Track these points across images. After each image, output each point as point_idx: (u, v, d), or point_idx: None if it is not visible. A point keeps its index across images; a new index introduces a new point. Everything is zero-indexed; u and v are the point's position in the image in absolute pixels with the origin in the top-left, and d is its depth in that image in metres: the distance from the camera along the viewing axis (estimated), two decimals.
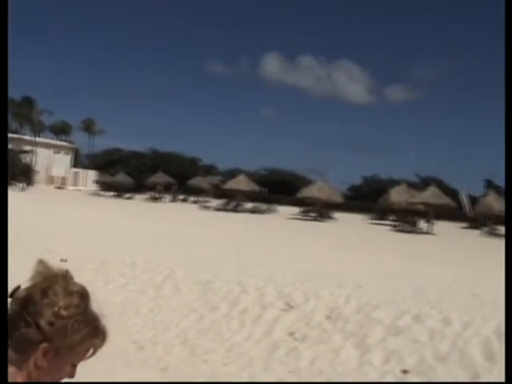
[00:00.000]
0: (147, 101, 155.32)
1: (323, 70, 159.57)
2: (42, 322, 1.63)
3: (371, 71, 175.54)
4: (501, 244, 35.12)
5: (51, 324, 1.64)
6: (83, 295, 1.73)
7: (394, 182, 65.99)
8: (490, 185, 77.03)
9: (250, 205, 53.80)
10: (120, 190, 69.43)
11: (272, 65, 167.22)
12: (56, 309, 1.65)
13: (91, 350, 1.75)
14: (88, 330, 1.71)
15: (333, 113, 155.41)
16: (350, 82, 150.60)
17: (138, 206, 51.14)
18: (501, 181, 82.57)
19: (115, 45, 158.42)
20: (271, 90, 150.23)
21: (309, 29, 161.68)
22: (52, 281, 1.69)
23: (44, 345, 1.63)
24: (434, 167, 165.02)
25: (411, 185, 59.48)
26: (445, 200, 43.75)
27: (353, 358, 8.06)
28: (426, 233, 38.79)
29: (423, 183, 65.92)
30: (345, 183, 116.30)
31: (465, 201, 68.10)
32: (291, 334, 8.87)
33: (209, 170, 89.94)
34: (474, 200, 64.23)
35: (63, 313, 1.66)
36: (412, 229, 39.81)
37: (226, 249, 17.39)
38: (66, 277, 1.72)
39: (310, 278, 11.80)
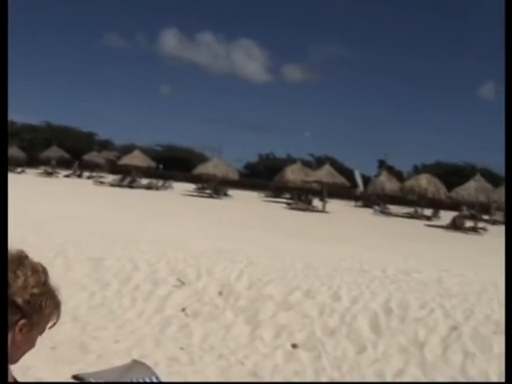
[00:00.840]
0: (42, 73, 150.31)
1: (222, 48, 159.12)
2: (20, 301, 1.77)
3: (270, 50, 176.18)
4: (391, 222, 36.23)
5: (28, 302, 1.79)
6: (45, 271, 1.90)
7: (289, 161, 66.88)
8: (382, 165, 79.11)
9: (145, 181, 53.15)
10: (12, 164, 67.16)
11: (170, 41, 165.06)
12: (29, 288, 1.80)
13: (54, 321, 1.94)
14: (54, 303, 1.89)
15: (231, 91, 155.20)
16: (249, 61, 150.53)
17: (29, 180, 49.62)
18: (393, 161, 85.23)
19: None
20: (169, 66, 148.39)
21: (208, 6, 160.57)
22: (18, 262, 1.83)
23: (22, 321, 1.79)
24: (329, 147, 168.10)
25: (306, 163, 60.33)
26: (339, 179, 44.56)
27: (244, 333, 8.09)
28: (320, 211, 39.44)
29: (318, 162, 66.95)
30: (241, 161, 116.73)
31: (358, 180, 69.78)
32: (183, 310, 8.81)
33: (105, 145, 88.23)
34: (367, 179, 65.91)
35: (36, 291, 1.81)
36: (306, 207, 40.35)
37: (117, 225, 17.12)
38: (26, 256, 1.88)
39: (202, 255, 11.78)
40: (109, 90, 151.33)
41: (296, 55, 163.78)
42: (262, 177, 73.92)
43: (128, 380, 5.24)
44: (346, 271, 11.45)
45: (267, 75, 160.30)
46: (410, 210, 45.32)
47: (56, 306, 1.92)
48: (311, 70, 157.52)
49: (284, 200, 49.18)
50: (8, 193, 2.35)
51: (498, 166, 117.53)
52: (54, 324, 1.94)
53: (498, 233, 34.76)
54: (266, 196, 54.67)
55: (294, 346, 7.71)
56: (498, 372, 7.07)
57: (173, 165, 76.49)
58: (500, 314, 8.70)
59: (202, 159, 66.82)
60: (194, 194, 48.40)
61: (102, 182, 52.82)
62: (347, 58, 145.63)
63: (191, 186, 52.96)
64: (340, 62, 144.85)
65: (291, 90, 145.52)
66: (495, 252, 21.67)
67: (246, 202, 43.10)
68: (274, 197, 53.99)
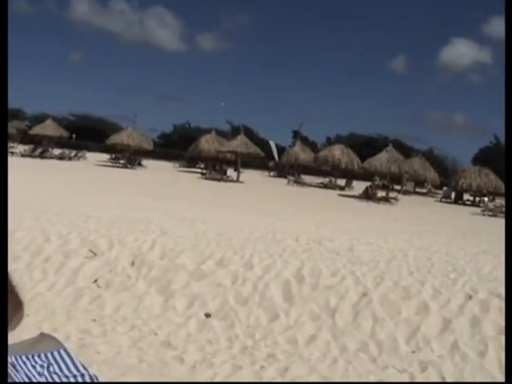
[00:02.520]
0: None
1: (135, 15, 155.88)
2: None
3: (183, 18, 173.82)
4: (305, 191, 36.66)
5: None
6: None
7: (204, 131, 66.58)
8: (297, 135, 79.81)
9: (57, 151, 52.01)
10: None
11: (82, 6, 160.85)
12: None
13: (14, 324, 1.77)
14: (18, 301, 1.72)
15: (144, 59, 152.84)
16: (162, 29, 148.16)
17: None
18: (307, 132, 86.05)
19: None
20: (80, 33, 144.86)
21: None
22: None
23: None
24: (244, 117, 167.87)
25: (221, 133, 60.29)
26: (253, 149, 44.71)
27: (157, 303, 8.05)
28: (235, 181, 39.56)
29: (233, 132, 66.95)
30: (155, 131, 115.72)
31: (273, 150, 70.19)
32: (95, 281, 8.69)
33: (15, 115, 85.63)
34: (282, 150, 66.41)
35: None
36: (221, 177, 40.41)
37: (26, 196, 16.68)
38: None
39: (114, 225, 11.63)
40: (17, 57, 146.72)
41: (209, 24, 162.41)
42: (177, 147, 73.49)
43: (35, 354, 5.11)
44: (259, 240, 11.53)
45: (181, 44, 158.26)
46: (324, 180, 46.01)
47: (20, 305, 1.77)
48: (225, 38, 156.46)
49: (199, 170, 49.08)
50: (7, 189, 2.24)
51: (410, 138, 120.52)
52: (15, 327, 1.81)
53: (408, 202, 35.73)
54: (181, 166, 54.45)
55: (207, 315, 7.72)
56: (405, 336, 7.28)
57: (86, 135, 75.13)
58: (408, 280, 8.95)
59: (116, 129, 65.78)
60: (108, 164, 47.70)
61: (12, 153, 51.30)
62: (260, 26, 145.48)
63: (105, 156, 52.15)
64: (253, 31, 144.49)
65: (205, 59, 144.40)
66: (405, 220, 22.27)
67: (160, 172, 42.78)
68: (189, 167, 53.83)
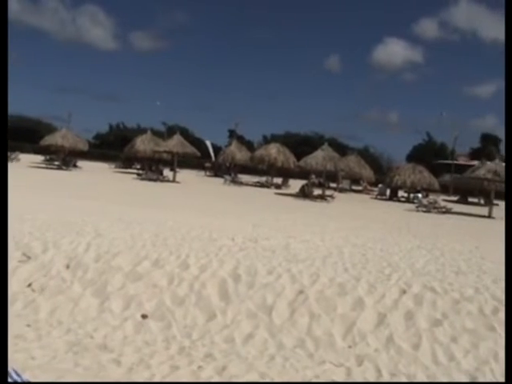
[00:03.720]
0: None
1: (68, 14, 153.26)
2: None
3: (116, 16, 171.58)
4: (242, 190, 36.72)
5: None
6: None
7: (140, 131, 66.10)
8: (233, 135, 79.89)
9: None
10: None
11: (13, 5, 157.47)
12: None
13: None
14: None
15: (78, 58, 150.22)
16: (95, 27, 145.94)
17: None
18: (243, 131, 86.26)
19: None
20: (13, 32, 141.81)
21: None
22: None
23: None
24: (180, 116, 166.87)
25: (157, 133, 59.95)
26: (189, 149, 44.55)
27: (92, 306, 7.96)
28: (171, 181, 39.37)
29: (169, 132, 66.64)
30: (90, 131, 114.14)
31: (209, 150, 70.11)
32: (29, 285, 8.54)
33: None
34: (218, 149, 66.41)
35: None
36: (157, 177, 40.14)
37: None
38: None
39: (49, 228, 11.45)
40: None
41: (143, 22, 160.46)
42: (113, 147, 72.74)
43: None
44: (195, 240, 11.51)
45: (115, 42, 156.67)
46: (261, 178, 46.19)
47: None
48: (160, 37, 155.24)
49: (135, 171, 48.65)
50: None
51: (346, 136, 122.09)
52: None
53: (344, 200, 36.15)
54: (117, 167, 53.84)
55: (144, 316, 7.68)
56: (341, 332, 7.38)
57: (20, 136, 73.60)
58: (344, 277, 9.06)
59: (50, 130, 64.64)
60: (42, 165, 46.88)
61: None
62: (195, 24, 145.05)
63: (39, 158, 51.19)
64: (188, 29, 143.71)
65: (140, 58, 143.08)
66: (341, 218, 22.53)
67: (95, 173, 42.26)
68: (125, 167, 53.29)
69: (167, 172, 42.93)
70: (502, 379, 6.55)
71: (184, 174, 44.48)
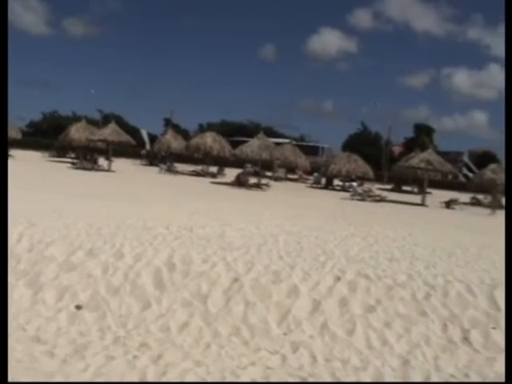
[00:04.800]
0: None
1: None
2: None
3: (49, 2, 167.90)
4: (177, 179, 36.51)
5: None
6: None
7: (74, 119, 65.07)
8: (168, 123, 79.43)
9: None
10: None
11: None
12: None
13: None
14: None
15: (10, 44, 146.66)
16: (27, 13, 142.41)
17: None
18: (178, 119, 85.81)
19: None
20: None
21: None
22: None
23: None
24: (114, 104, 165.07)
25: (92, 122, 59.09)
26: (125, 137, 44.05)
27: (25, 297, 7.83)
28: (106, 170, 38.89)
29: (104, 120, 65.79)
30: (24, 119, 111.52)
31: (145, 138, 69.57)
32: None
33: None
34: (153, 138, 65.93)
35: None
36: (92, 166, 39.56)
37: None
38: None
39: None
40: None
41: (76, 8, 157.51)
42: (47, 136, 71.41)
43: None
44: (130, 229, 11.41)
45: (47, 28, 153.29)
46: (196, 167, 46.03)
47: None
48: (93, 23, 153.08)
49: (69, 160, 47.84)
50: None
51: (282, 125, 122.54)
52: None
53: (280, 188, 36.35)
54: (51, 156, 52.83)
55: (78, 306, 7.59)
56: (276, 319, 7.43)
57: None
58: (279, 265, 9.11)
59: None
60: None
61: None
62: (130, 11, 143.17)
63: None
64: (123, 16, 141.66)
65: (74, 45, 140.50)
66: (277, 206, 22.65)
67: (28, 163, 41.40)
68: (59, 156, 52.32)
69: (102, 161, 42.34)
70: (433, 362, 6.72)
71: (119, 163, 43.95)
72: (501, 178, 40.38)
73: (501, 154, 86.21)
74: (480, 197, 41.48)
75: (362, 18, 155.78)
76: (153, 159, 53.45)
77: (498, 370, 6.63)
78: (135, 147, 53.20)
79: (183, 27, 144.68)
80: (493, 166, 43.98)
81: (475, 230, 19.97)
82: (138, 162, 55.65)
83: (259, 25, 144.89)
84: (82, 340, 6.65)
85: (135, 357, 6.18)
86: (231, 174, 37.81)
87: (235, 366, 6.09)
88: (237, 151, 42.25)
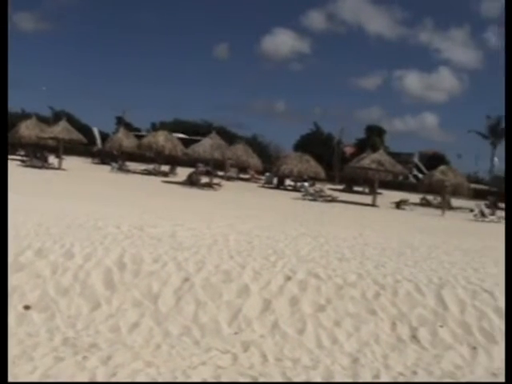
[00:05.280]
0: None
1: None
2: None
3: None
4: (129, 178, 36.23)
5: None
6: None
7: (24, 116, 64.09)
8: (120, 122, 78.82)
9: None
10: None
11: None
12: None
13: None
14: None
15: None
16: None
17: None
18: (130, 117, 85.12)
19: None
20: None
21: None
22: None
23: None
24: (66, 102, 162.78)
25: (43, 119, 58.32)
26: (76, 135, 43.66)
27: None
28: (57, 168, 38.45)
29: (55, 118, 64.98)
30: None
31: (97, 137, 68.92)
32: None
33: None
34: (105, 136, 65.33)
35: None
36: (42, 164, 39.11)
37: None
38: None
39: None
40: None
41: (27, 3, 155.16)
42: None
43: None
44: (80, 228, 11.30)
45: None
46: (148, 166, 45.80)
47: None
48: (45, 18, 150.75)
49: (18, 157, 47.11)
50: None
51: (235, 124, 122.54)
52: None
53: (232, 188, 36.39)
54: None
55: (27, 307, 7.48)
56: (227, 318, 7.43)
57: None
58: (229, 264, 9.12)
59: None
60: None
61: None
62: (83, 7, 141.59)
63: None
64: (76, 11, 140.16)
65: (25, 40, 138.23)
66: (228, 206, 22.68)
67: None
68: (9, 154, 51.52)
69: (53, 159, 41.83)
70: (382, 360, 6.80)
71: (70, 161, 43.47)
72: (449, 179, 41.17)
73: (450, 156, 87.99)
74: (429, 197, 42.16)
75: (316, 20, 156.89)
76: (104, 158, 52.99)
77: (445, 367, 6.75)
78: (87, 145, 52.69)
79: (137, 25, 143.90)
80: (442, 167, 44.85)
81: (424, 231, 20.28)
82: (89, 160, 55.11)
83: (213, 23, 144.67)
84: (30, 341, 6.54)
85: (85, 358, 6.11)
86: (183, 173, 37.71)
87: (186, 366, 6.07)
88: (189, 150, 42.17)
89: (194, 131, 73.81)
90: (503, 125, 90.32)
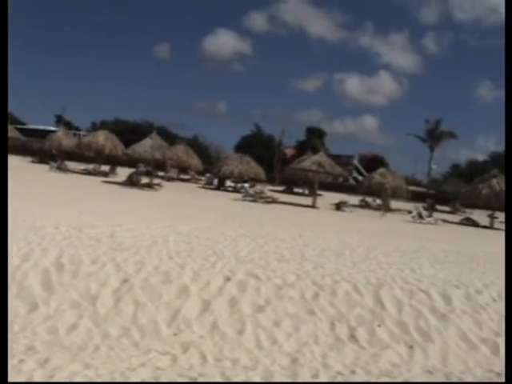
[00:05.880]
0: None
1: None
2: None
3: None
4: (68, 178, 35.74)
5: None
6: None
7: None
8: (60, 120, 77.60)
9: None
10: None
11: None
12: None
13: None
14: None
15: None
16: None
17: None
18: (70, 116, 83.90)
19: None
20: None
21: None
22: None
23: None
24: None
25: None
26: (14, 133, 42.92)
27: None
28: None
29: None
30: None
31: (35, 135, 67.66)
32: None
33: None
34: (44, 134, 64.20)
35: None
36: None
37: None
38: None
39: None
40: None
41: None
42: None
43: None
44: (17, 229, 11.09)
45: None
46: (88, 166, 45.22)
47: None
48: None
49: None
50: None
51: (176, 125, 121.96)
52: None
53: (172, 189, 36.24)
54: None
55: None
56: (166, 319, 7.41)
57: None
58: (169, 265, 9.09)
59: None
60: None
61: None
62: (18, 6, 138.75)
63: None
64: (14, 11, 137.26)
65: None
66: (168, 207, 22.58)
67: None
68: None
69: None
70: (321, 360, 6.88)
71: (11, 161, 42.59)
72: (388, 181, 41.81)
73: (389, 159, 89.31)
74: (369, 199, 42.75)
75: (258, 21, 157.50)
76: (43, 157, 52.07)
77: (383, 365, 6.88)
78: (25, 143, 51.70)
79: (77, 23, 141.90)
80: (381, 169, 45.49)
81: (363, 232, 20.56)
82: (28, 158, 54.07)
83: (155, 23, 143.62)
84: None
85: (21, 361, 6.01)
86: (123, 173, 37.36)
87: (125, 368, 6.03)
88: (129, 150, 41.86)
89: (135, 131, 73.23)
90: (441, 128, 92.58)
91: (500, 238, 28.17)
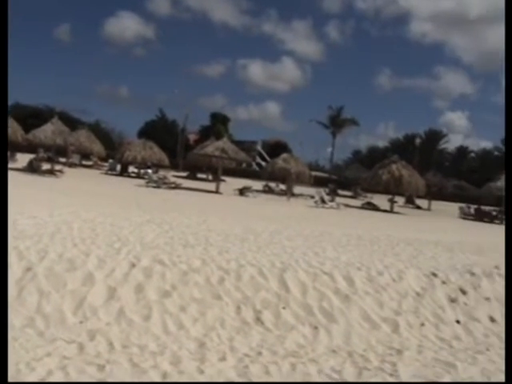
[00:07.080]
0: None
1: None
2: None
3: None
4: None
5: None
6: None
7: None
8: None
9: None
10: None
11: None
12: None
13: None
14: None
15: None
16: None
17: None
18: None
19: None
20: None
21: None
22: None
23: None
24: None
25: None
26: None
27: None
28: None
29: None
30: None
31: None
32: None
33: None
34: None
35: None
36: None
37: None
38: None
39: None
40: None
41: None
42: None
43: None
44: None
45: None
46: None
47: None
48: None
49: None
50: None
51: (77, 110, 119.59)
52: None
53: (74, 175, 35.58)
54: None
55: None
56: (72, 307, 7.32)
57: None
58: (73, 252, 8.96)
59: None
60: None
61: None
62: None
63: None
64: None
65: None
66: (71, 194, 22.15)
67: None
68: None
69: None
70: (228, 343, 6.98)
71: None
72: (292, 166, 42.42)
73: (291, 145, 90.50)
74: (272, 184, 43.25)
75: (161, 5, 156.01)
76: None
77: (289, 346, 7.05)
78: None
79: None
80: (284, 155, 46.16)
81: (267, 217, 20.81)
82: None
83: (54, 3, 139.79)
84: None
85: None
86: (24, 159, 36.37)
87: (30, 358, 5.94)
88: (30, 136, 40.75)
89: (36, 116, 71.37)
90: (343, 115, 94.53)
91: (399, 220, 29.15)
